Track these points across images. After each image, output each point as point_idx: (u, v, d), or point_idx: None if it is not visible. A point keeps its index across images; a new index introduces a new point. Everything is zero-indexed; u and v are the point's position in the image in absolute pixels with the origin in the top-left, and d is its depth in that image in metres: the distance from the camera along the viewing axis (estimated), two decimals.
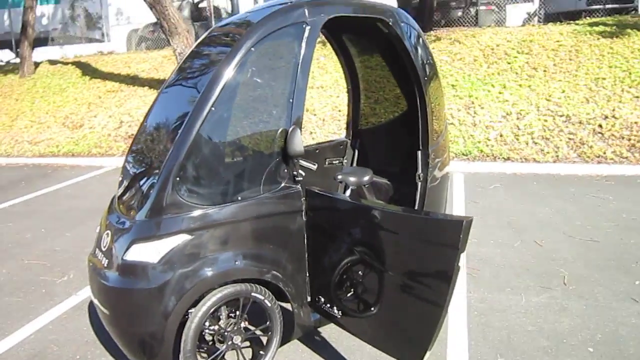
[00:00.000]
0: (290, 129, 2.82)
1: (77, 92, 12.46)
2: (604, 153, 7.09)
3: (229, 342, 2.87)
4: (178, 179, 2.63)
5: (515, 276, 4.12)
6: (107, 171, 8.75)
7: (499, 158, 7.39)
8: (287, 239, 2.93)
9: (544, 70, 9.15)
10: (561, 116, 7.89)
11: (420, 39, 3.82)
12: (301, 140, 2.81)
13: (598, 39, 9.74)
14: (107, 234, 2.89)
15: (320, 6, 3.10)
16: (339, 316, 2.91)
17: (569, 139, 7.49)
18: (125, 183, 3.11)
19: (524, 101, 8.43)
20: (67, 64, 14.49)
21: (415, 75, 3.59)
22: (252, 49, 2.80)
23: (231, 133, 2.84)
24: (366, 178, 3.70)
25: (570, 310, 3.59)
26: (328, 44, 4.72)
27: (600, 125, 7.53)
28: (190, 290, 2.66)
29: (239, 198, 2.76)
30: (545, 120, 7.89)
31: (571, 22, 10.93)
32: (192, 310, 2.74)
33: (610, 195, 5.89)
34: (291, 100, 2.88)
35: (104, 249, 2.87)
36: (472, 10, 13.22)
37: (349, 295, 2.90)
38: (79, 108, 11.64)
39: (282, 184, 2.87)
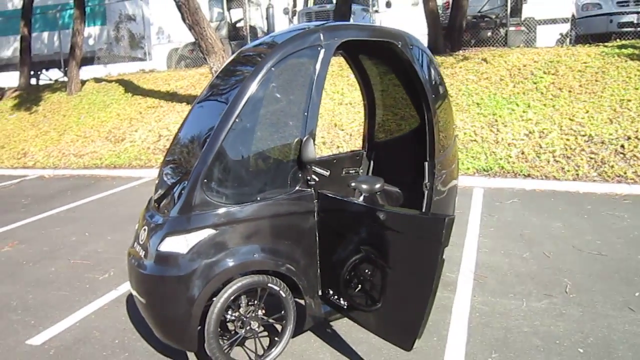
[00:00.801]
0: (305, 138, 3.19)
1: (119, 108, 13.19)
2: (625, 173, 7.20)
3: (248, 328, 3.24)
4: (206, 180, 3.03)
5: (520, 283, 4.35)
6: (146, 182, 9.31)
7: (519, 175, 7.58)
8: (301, 236, 3.28)
9: (569, 91, 9.31)
10: (584, 136, 8.04)
11: (431, 61, 4.17)
12: (314, 149, 3.17)
13: (626, 61, 9.83)
14: (144, 229, 3.30)
15: (334, 31, 3.49)
16: (346, 307, 3.25)
17: (590, 158, 7.63)
18: (161, 185, 3.54)
19: (547, 120, 8.61)
20: (111, 81, 15.32)
21: (424, 94, 3.93)
22: (273, 68, 3.20)
23: (253, 141, 3.21)
24: (377, 186, 4.04)
25: (567, 315, 3.81)
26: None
27: (622, 146, 7.64)
28: (214, 279, 3.03)
29: (259, 198, 3.14)
30: (568, 140, 8.05)
31: (600, 44, 11.05)
32: (215, 298, 3.11)
33: (626, 213, 6.03)
34: (306, 114, 3.25)
35: (141, 242, 3.28)
36: (502, 31, 13.44)
37: (354, 287, 3.23)
38: (121, 123, 12.33)
39: (297, 187, 3.24)
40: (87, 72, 17.08)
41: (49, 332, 3.97)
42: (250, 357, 3.42)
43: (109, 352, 3.64)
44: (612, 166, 7.36)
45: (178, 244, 3.03)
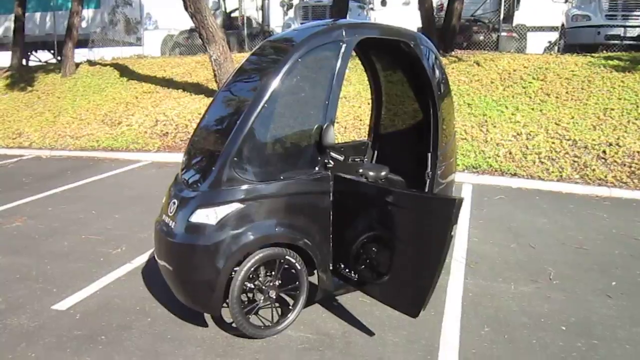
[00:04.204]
0: (325, 125, 3.50)
1: (115, 92, 13.29)
2: (605, 177, 7.63)
3: (266, 295, 3.54)
4: (235, 159, 3.32)
5: (508, 270, 4.73)
6: (144, 165, 9.51)
7: (506, 173, 7.98)
8: (317, 214, 3.60)
9: (556, 97, 9.75)
10: (568, 140, 8.47)
11: (437, 60, 4.50)
12: (333, 135, 3.49)
13: (611, 72, 10.29)
14: (174, 202, 3.57)
15: (355, 28, 3.82)
16: (356, 279, 3.58)
17: (574, 161, 8.05)
18: (189, 162, 3.81)
19: (534, 123, 9.03)
20: (105, 65, 15.37)
21: (430, 91, 4.27)
22: (299, 60, 3.51)
23: (278, 126, 3.53)
24: (383, 173, 4.38)
25: (551, 298, 4.20)
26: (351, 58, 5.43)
27: (604, 152, 8.08)
28: (240, 248, 3.33)
29: (282, 177, 3.45)
30: (553, 143, 8.47)
31: (587, 54, 11.51)
32: (238, 267, 3.40)
33: (605, 213, 6.46)
34: (327, 103, 3.56)
35: (171, 214, 3.55)
36: (494, 36, 13.86)
37: (364, 261, 3.55)
38: (117, 107, 12.44)
39: (316, 169, 3.55)
40: (78, 54, 17.04)
41: (72, 299, 4.21)
42: (264, 324, 3.72)
43: (133, 317, 3.91)
44: (594, 170, 7.78)
45: (208, 216, 3.33)
